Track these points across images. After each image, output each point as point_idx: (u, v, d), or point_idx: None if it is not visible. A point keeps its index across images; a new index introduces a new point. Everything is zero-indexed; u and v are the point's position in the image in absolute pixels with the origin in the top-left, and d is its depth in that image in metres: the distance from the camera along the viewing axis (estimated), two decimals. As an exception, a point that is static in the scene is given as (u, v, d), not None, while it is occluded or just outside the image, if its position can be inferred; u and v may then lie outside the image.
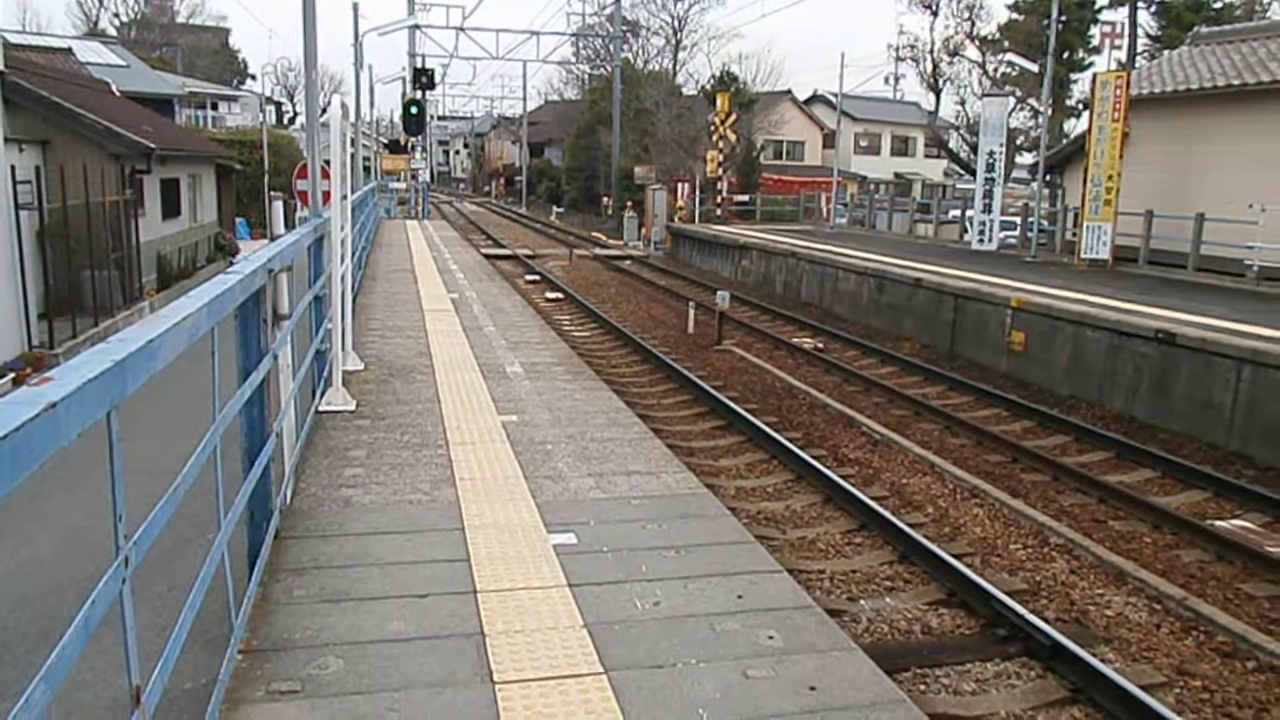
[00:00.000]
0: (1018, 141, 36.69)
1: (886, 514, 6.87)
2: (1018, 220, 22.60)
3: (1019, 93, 34.86)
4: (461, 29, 38.76)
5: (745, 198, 34.00)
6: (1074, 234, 18.49)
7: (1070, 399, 11.18)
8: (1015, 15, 36.89)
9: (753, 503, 7.52)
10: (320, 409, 6.10)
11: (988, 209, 20.30)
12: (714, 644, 3.27)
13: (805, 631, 3.40)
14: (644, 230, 32.59)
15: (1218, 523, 7.22)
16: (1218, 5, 33.14)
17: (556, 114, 60.18)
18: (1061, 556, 6.62)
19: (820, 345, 14.34)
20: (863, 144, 49.99)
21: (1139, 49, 34.13)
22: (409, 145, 35.49)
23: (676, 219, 30.80)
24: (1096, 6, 35.27)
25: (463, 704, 2.85)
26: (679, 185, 32.35)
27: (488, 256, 21.61)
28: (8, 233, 12.17)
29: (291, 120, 57.18)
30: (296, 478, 4.75)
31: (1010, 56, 29.46)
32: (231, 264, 3.81)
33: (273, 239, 5.80)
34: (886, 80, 53.52)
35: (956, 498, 7.85)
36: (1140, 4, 34.43)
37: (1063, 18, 24.53)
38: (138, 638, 1.93)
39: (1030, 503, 7.70)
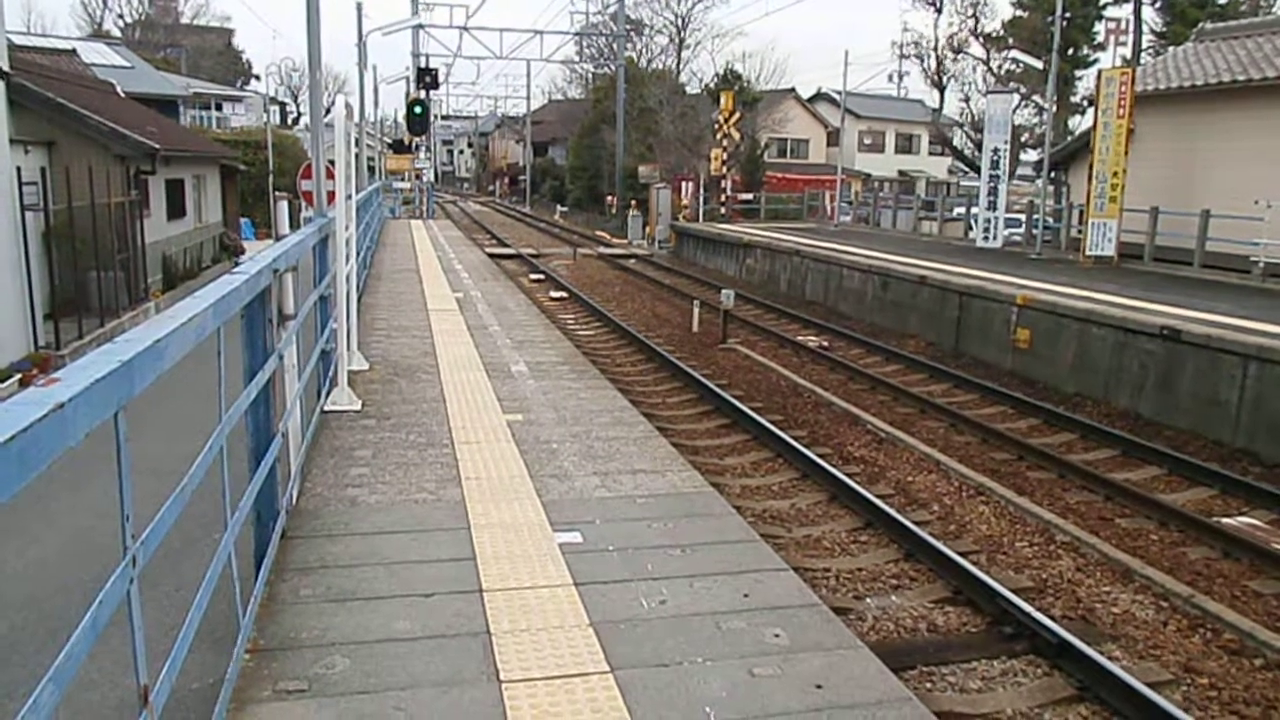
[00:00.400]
0: (1022, 138, 36.57)
1: (892, 512, 6.86)
2: (1022, 217, 22.53)
3: (1024, 89, 34.80)
4: (465, 28, 38.76)
5: (749, 196, 33.97)
6: (1079, 231, 18.44)
7: (1076, 396, 11.15)
8: (1019, 12, 36.76)
9: (758, 501, 7.52)
10: (326, 409, 6.11)
11: (992, 206, 20.26)
12: (720, 642, 3.27)
13: (811, 630, 3.40)
14: (648, 229, 32.58)
15: (1224, 520, 7.20)
16: (1222, 1, 33.02)
17: (560, 113, 60.18)
18: (1067, 554, 6.61)
19: (825, 343, 14.32)
20: (867, 142, 49.93)
21: (1144, 45, 34.03)
22: (413, 145, 35.48)
23: (681, 218, 30.79)
24: (1101, 3, 35.14)
25: (469, 703, 2.86)
26: (683, 184, 32.34)
27: (492, 256, 21.64)
28: (13, 234, 12.20)
29: (296, 120, 57.29)
30: (302, 478, 4.76)
31: (1015, 53, 29.44)
32: (237, 264, 3.82)
33: (278, 239, 5.81)
34: (890, 78, 53.35)
35: (962, 495, 7.84)
36: (1145, 0, 34.33)
37: (1067, 14, 24.45)
38: (145, 638, 1.93)
39: (1036, 500, 7.69)
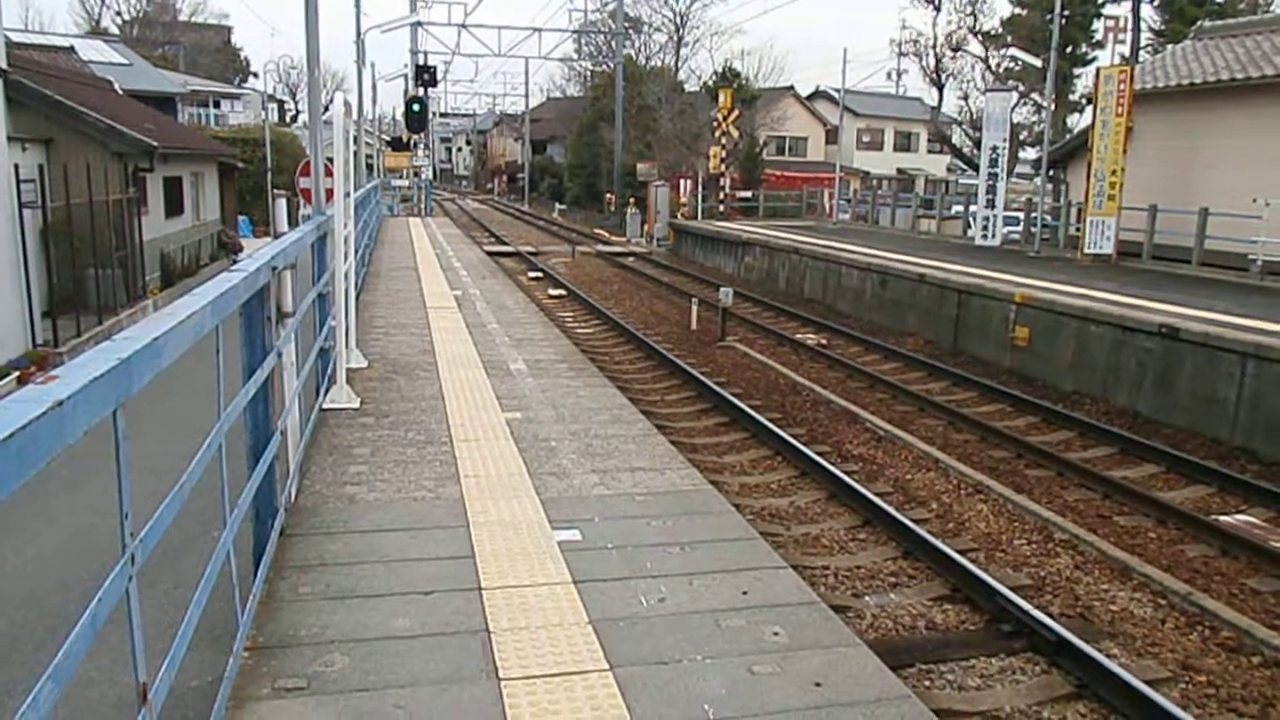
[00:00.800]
0: (1021, 136, 36.59)
1: (891, 510, 6.86)
2: (1021, 215, 22.54)
3: (1022, 88, 34.79)
4: (463, 26, 38.72)
5: (748, 194, 33.95)
6: (1077, 229, 18.44)
7: (1074, 394, 11.16)
8: (1018, 10, 36.74)
9: (757, 499, 7.52)
10: (324, 406, 6.11)
11: (991, 204, 20.26)
12: (719, 640, 3.27)
13: (810, 628, 3.40)
14: (646, 227, 32.57)
15: (1222, 518, 7.21)
16: (1221, 0, 33.03)
17: (559, 111, 60.12)
18: (1066, 552, 6.62)
19: (823, 341, 14.33)
20: (865, 139, 49.92)
21: (1142, 43, 34.02)
22: (411, 143, 35.47)
23: (679, 215, 30.78)
24: (1100, 1, 35.16)
25: (468, 701, 2.86)
26: (681, 182, 32.31)
27: (490, 254, 21.63)
28: (11, 231, 12.19)
29: (294, 118, 57.26)
30: (301, 475, 4.76)
31: (1013, 51, 29.44)
32: (235, 262, 3.81)
33: (276, 237, 5.81)
34: (889, 76, 53.45)
35: (960, 493, 7.85)
36: (1144, -2, 34.31)
37: (1066, 12, 24.45)
38: (144, 635, 1.93)
39: (1034, 498, 7.70)
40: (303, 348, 5.02)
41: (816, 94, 50.84)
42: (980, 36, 38.37)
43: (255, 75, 62.56)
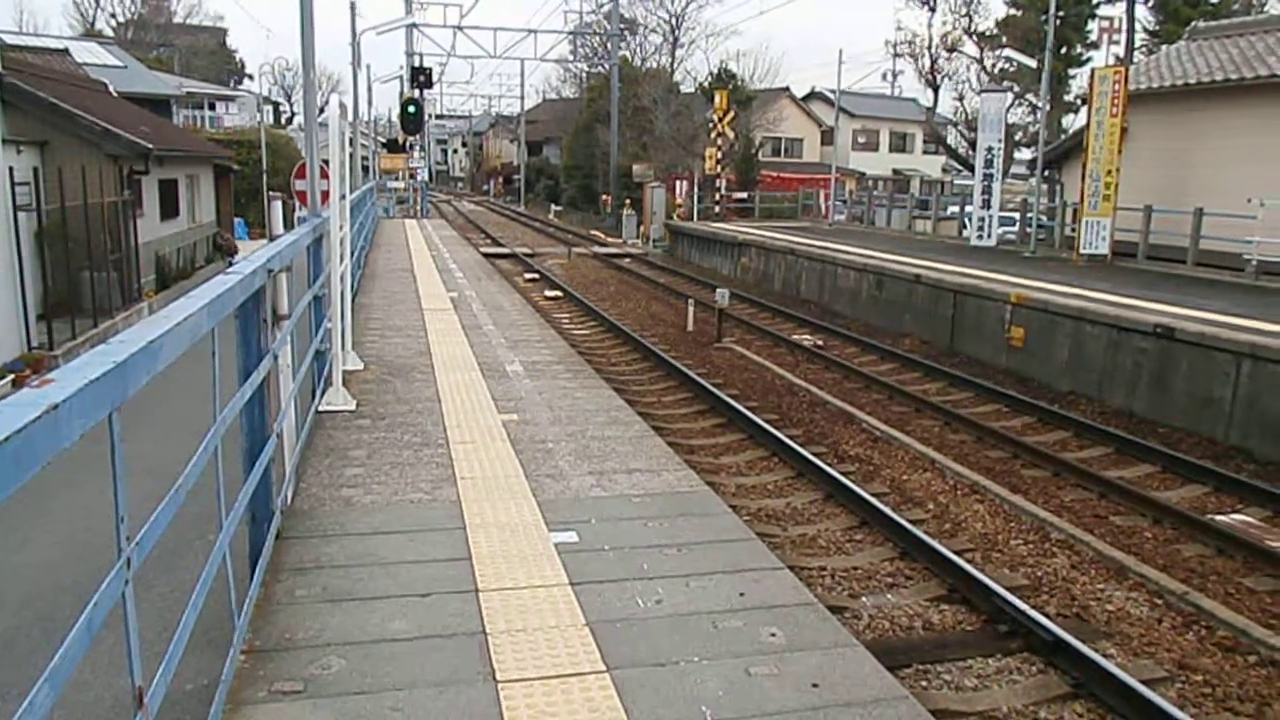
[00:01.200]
0: (1016, 137, 36.69)
1: (887, 510, 6.87)
2: (1016, 216, 22.59)
3: (1017, 88, 34.87)
4: (459, 28, 38.73)
5: (744, 195, 33.98)
6: (1073, 229, 18.49)
7: (1070, 394, 11.18)
8: (1013, 10, 36.84)
9: (753, 500, 7.52)
10: (320, 409, 6.10)
11: (986, 205, 20.29)
12: (716, 642, 3.27)
13: (807, 628, 3.40)
14: (643, 228, 32.59)
15: (1218, 517, 7.22)
16: (1215, 0, 33.10)
17: (554, 112, 60.14)
18: (1062, 552, 6.63)
19: (820, 342, 14.34)
20: (861, 140, 49.98)
21: (1137, 44, 34.12)
22: (407, 144, 35.45)
23: (675, 217, 30.80)
24: (1094, 1, 35.21)
25: (466, 703, 2.85)
26: (677, 183, 32.35)
27: (486, 255, 21.61)
28: (6, 234, 12.16)
29: (289, 120, 57.17)
30: (297, 478, 4.75)
31: (1008, 52, 29.44)
32: (230, 264, 3.81)
33: (271, 239, 5.80)
34: (884, 77, 53.57)
35: (957, 494, 7.86)
36: (1138, -1, 34.40)
37: (1060, 13, 24.50)
38: (140, 639, 1.93)
39: (1031, 498, 7.71)
40: (299, 350, 5.01)
41: (812, 95, 50.90)
42: (975, 37, 38.48)
43: (250, 77, 62.62)
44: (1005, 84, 33.03)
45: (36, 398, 1.49)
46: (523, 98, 58.90)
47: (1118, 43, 32.70)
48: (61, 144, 14.91)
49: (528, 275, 22.31)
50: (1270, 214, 14.35)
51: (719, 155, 31.06)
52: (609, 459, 5.34)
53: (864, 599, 5.77)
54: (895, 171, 48.97)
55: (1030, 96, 34.70)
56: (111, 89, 23.63)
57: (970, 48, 39.03)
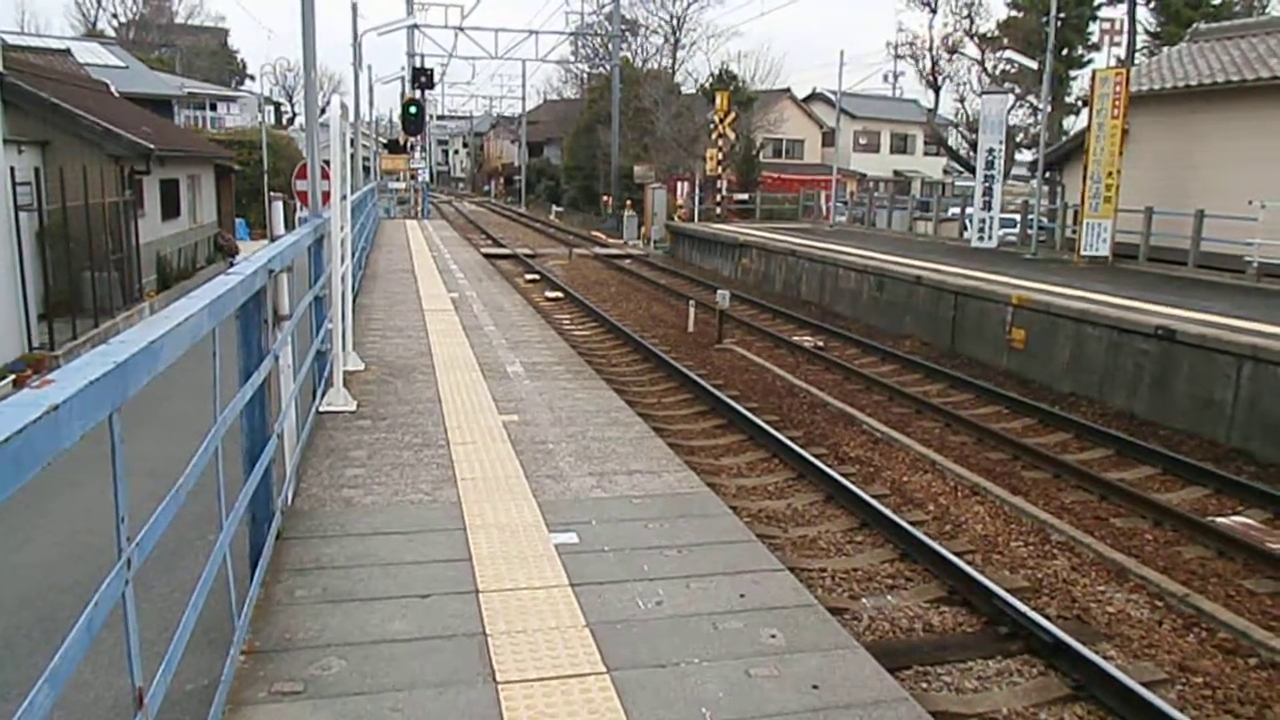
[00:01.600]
0: (1017, 139, 36.69)
1: (888, 512, 6.87)
2: (1017, 217, 22.59)
3: (1018, 90, 34.87)
4: (460, 29, 38.79)
5: (745, 196, 33.99)
6: (1074, 231, 18.49)
7: (1071, 396, 11.18)
8: (1014, 12, 36.86)
9: (754, 501, 7.52)
10: (321, 409, 6.10)
11: (987, 206, 20.29)
12: (716, 643, 3.27)
13: (807, 630, 3.40)
14: (643, 229, 32.59)
15: (1219, 519, 7.22)
16: (1216, 1, 33.09)
17: (555, 113, 60.19)
18: (1063, 554, 6.62)
19: (820, 343, 14.33)
20: (862, 142, 49.98)
21: (1138, 45, 34.13)
22: (408, 145, 35.48)
23: (676, 218, 30.79)
24: (1096, 3, 35.24)
25: (465, 704, 2.85)
26: (678, 184, 32.33)
27: (487, 256, 21.62)
28: (7, 234, 12.17)
29: (290, 120, 57.19)
30: (298, 478, 4.75)
31: (1009, 53, 29.43)
32: (231, 265, 3.81)
33: (273, 239, 5.80)
34: (886, 78, 53.63)
35: (957, 495, 7.85)
36: (1139, 0, 34.41)
37: (1062, 14, 24.53)
38: (140, 639, 1.93)
39: (1031, 500, 7.70)
40: (299, 350, 5.02)
41: (813, 96, 50.91)
42: (976, 39, 38.52)
43: (252, 78, 62.62)
44: (1006, 85, 33.04)
45: (37, 398, 1.49)
46: (524, 98, 58.99)
47: (1119, 44, 32.74)
48: (63, 144, 14.92)
49: (528, 276, 22.31)
50: (1271, 216, 14.35)
51: (720, 156, 31.07)
52: (609, 460, 5.34)
53: (864, 600, 5.77)
54: (896, 173, 48.99)
55: (1031, 98, 34.71)
56: (113, 89, 23.66)
57: (971, 49, 39.11)
